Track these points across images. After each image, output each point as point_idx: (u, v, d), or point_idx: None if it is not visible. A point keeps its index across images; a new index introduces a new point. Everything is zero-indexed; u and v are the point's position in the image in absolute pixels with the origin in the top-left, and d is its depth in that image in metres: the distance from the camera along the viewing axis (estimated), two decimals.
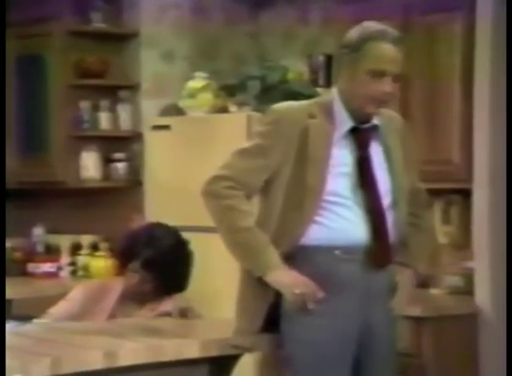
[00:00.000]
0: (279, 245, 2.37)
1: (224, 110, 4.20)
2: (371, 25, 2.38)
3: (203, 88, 4.24)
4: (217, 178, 2.41)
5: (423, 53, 3.71)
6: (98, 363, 2.35)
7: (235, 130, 3.95)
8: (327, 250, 2.37)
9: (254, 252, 2.35)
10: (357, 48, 2.34)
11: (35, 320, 2.89)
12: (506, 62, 3.47)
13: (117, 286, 3.06)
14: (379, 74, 2.33)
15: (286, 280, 2.34)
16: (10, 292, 4.15)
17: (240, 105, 4.12)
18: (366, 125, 2.41)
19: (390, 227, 2.41)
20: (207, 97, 4.24)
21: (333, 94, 2.43)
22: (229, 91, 4.20)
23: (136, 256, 2.96)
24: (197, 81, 4.28)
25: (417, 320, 3.38)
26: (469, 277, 3.59)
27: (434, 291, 3.74)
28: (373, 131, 2.42)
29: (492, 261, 3.49)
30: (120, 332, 2.66)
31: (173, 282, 2.98)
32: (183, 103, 4.31)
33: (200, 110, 4.23)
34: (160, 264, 2.94)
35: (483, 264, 3.49)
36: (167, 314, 2.88)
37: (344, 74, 2.38)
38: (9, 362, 2.27)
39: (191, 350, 2.46)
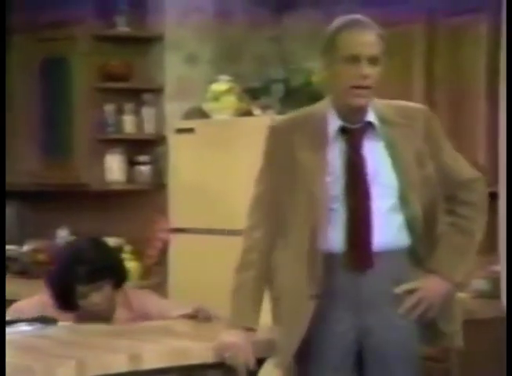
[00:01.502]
0: (299, 259, 2.36)
1: (248, 113, 4.20)
2: (340, 19, 2.42)
3: (227, 91, 4.24)
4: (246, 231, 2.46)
5: (448, 55, 3.68)
6: (122, 366, 2.35)
7: (259, 133, 3.92)
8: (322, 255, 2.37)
9: (231, 306, 2.42)
10: (329, 42, 2.36)
11: (60, 323, 2.90)
12: (507, 62, 3.43)
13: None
14: (353, 60, 2.31)
15: (223, 339, 2.41)
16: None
17: (264, 108, 4.12)
18: (358, 125, 2.37)
19: (378, 231, 2.33)
20: (231, 100, 4.24)
21: (327, 99, 2.43)
22: (253, 94, 4.19)
23: (77, 280, 2.90)
24: (221, 84, 4.28)
25: None
26: (495, 281, 3.55)
27: (460, 295, 3.70)
28: (366, 129, 2.37)
29: None
30: (144, 335, 2.66)
31: (122, 277, 3.03)
32: (207, 106, 4.31)
33: (223, 113, 4.23)
34: (104, 271, 2.93)
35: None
36: (189, 316, 2.87)
37: (323, 74, 2.39)
38: (34, 364, 2.28)
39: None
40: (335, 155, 2.36)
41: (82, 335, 2.71)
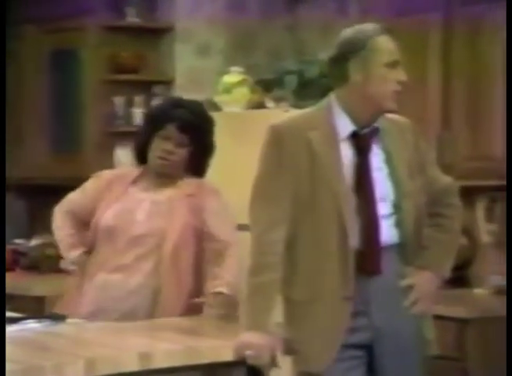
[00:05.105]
0: (324, 258, 2.35)
1: (260, 105, 4.15)
2: (361, 26, 2.42)
3: (239, 83, 4.19)
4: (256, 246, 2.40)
5: (464, 45, 3.62)
6: (133, 364, 2.31)
7: None
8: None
9: (249, 308, 2.38)
10: (366, 45, 2.36)
11: (69, 319, 2.85)
12: (507, 62, 3.37)
13: (134, 172, 2.97)
14: (394, 64, 2.36)
15: (245, 339, 2.36)
16: (43, 289, 4.13)
17: (277, 100, 4.06)
18: (366, 130, 2.40)
19: (384, 233, 2.37)
20: (243, 92, 4.19)
21: (331, 100, 2.42)
22: (266, 86, 4.14)
23: (171, 119, 2.87)
24: (233, 76, 4.23)
25: (461, 322, 3.29)
26: None
27: (477, 291, 3.65)
28: (373, 134, 2.42)
29: None
30: (156, 332, 2.62)
31: (206, 147, 2.94)
32: (218, 99, 4.26)
33: (235, 105, 4.18)
34: (197, 125, 2.89)
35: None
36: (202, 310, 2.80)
37: (355, 76, 2.36)
38: (43, 362, 2.24)
39: (228, 352, 2.40)
40: (346, 157, 2.38)
41: (91, 333, 2.67)
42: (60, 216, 3.10)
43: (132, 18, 4.47)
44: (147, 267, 2.85)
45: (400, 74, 2.37)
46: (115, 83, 4.46)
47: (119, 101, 4.48)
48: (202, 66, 4.48)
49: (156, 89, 4.51)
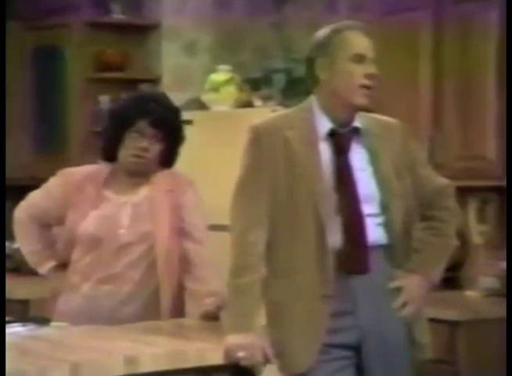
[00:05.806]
0: (295, 256, 2.33)
1: (248, 104, 4.13)
2: (333, 24, 2.43)
3: (227, 82, 4.16)
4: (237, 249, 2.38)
5: (456, 44, 3.60)
6: (119, 369, 2.26)
7: None
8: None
9: (233, 309, 2.36)
10: (331, 42, 2.36)
11: (53, 323, 2.79)
12: (506, 61, 3.35)
13: (103, 171, 2.85)
14: (360, 59, 2.35)
15: (235, 341, 2.33)
16: (27, 292, 4.07)
17: (265, 99, 4.05)
18: (346, 129, 2.39)
19: (371, 233, 2.35)
20: (231, 91, 4.17)
21: (312, 100, 2.42)
22: (254, 84, 4.14)
23: (142, 115, 2.77)
24: (220, 75, 4.21)
25: (452, 324, 3.26)
26: (505, 279, 3.46)
27: (469, 293, 3.63)
28: (353, 134, 2.40)
29: None
30: (142, 336, 2.57)
31: (178, 140, 2.87)
32: (206, 97, 4.24)
33: (223, 104, 4.16)
34: (171, 119, 2.81)
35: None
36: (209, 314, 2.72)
37: (322, 74, 2.37)
38: (26, 367, 2.20)
39: (215, 356, 2.37)
40: (325, 156, 2.37)
41: (76, 336, 2.61)
42: (23, 225, 2.94)
43: (117, 14, 4.44)
44: (137, 275, 2.77)
45: (368, 68, 2.34)
46: (100, 81, 4.42)
47: (104, 99, 4.45)
48: (189, 65, 4.46)
49: (143, 88, 4.47)
